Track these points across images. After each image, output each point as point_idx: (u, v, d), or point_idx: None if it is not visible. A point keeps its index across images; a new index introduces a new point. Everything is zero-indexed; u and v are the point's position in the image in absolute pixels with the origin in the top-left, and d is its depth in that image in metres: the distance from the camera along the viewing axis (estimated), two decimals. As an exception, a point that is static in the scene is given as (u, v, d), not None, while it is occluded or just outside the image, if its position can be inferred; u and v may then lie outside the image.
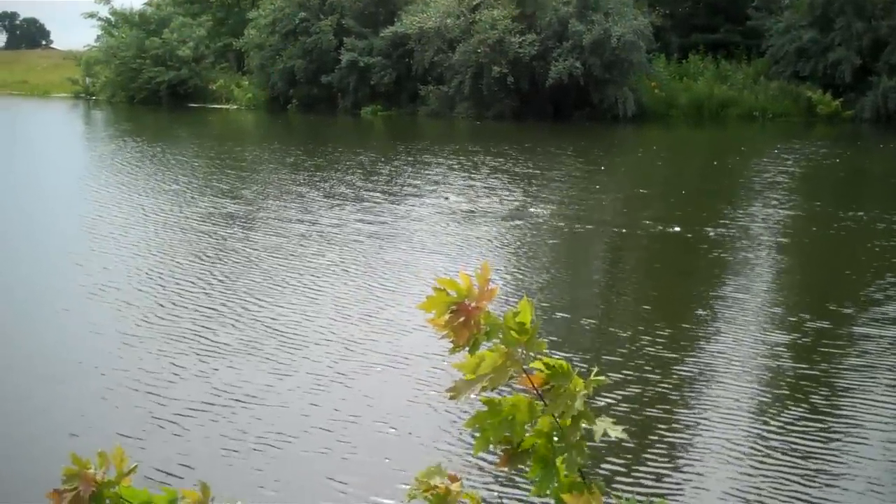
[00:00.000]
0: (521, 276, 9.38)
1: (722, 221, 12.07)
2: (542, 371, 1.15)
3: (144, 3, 39.55)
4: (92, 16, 39.29)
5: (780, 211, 13.02)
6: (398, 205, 13.51)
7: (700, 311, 8.01)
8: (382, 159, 18.91)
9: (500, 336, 1.16)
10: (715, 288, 8.87)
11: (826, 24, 28.45)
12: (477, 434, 1.17)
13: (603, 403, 5.82)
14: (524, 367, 1.15)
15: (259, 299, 8.35)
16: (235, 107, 34.33)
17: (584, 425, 1.11)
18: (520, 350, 1.14)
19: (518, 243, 11.04)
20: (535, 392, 1.13)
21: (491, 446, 1.19)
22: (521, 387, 1.18)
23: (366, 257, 10.18)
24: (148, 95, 35.50)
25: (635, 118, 27.64)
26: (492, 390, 1.17)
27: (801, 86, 28.61)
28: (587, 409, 1.12)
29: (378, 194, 14.48)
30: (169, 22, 36.58)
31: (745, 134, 25.69)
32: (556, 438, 1.12)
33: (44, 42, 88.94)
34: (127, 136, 25.36)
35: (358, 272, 9.48)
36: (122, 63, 36.13)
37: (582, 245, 11.42)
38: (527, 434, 1.14)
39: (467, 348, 1.16)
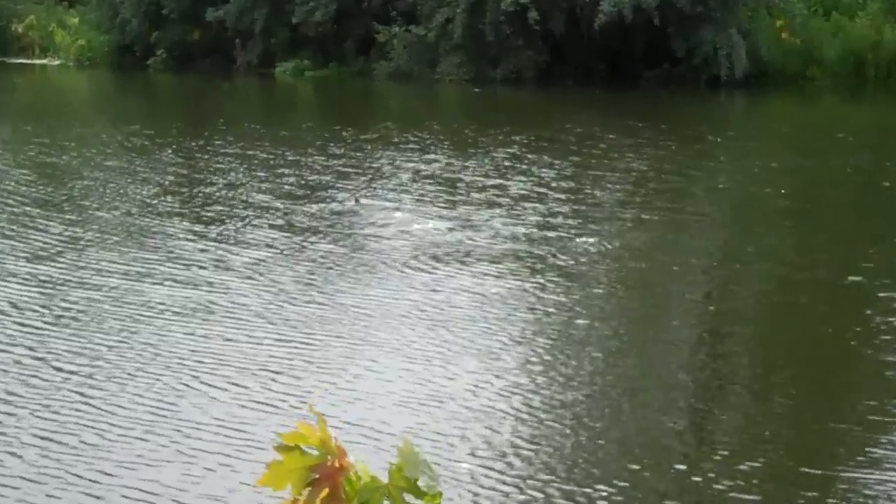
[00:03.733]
0: (553, 365, 9.26)
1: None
2: None
3: None
4: None
5: None
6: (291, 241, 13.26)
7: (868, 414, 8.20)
8: (296, 156, 19.11)
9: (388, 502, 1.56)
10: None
11: None
12: None
13: None
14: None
15: None
16: (57, 62, 34.65)
17: None
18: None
19: (545, 303, 10.82)
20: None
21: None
22: None
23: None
24: None
25: (749, 82, 27.79)
26: None
27: None
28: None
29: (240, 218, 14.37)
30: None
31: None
32: None
33: None
34: None
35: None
36: None
37: (663, 302, 11.43)
38: None
39: None
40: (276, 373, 8.99)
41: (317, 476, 1.42)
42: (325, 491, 1.42)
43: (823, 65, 29.04)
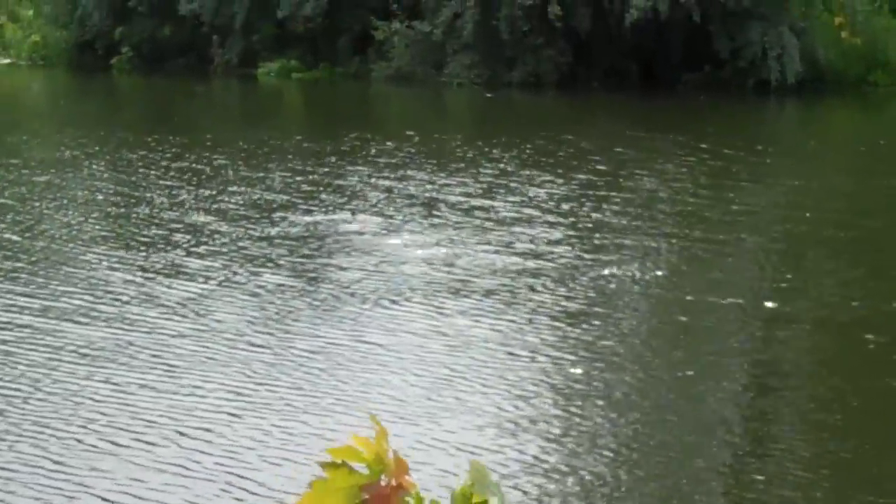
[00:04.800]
0: (545, 424, 9.21)
1: None
2: None
3: None
4: None
5: None
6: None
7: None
8: (252, 171, 19.28)
9: None
10: None
11: None
12: None
13: None
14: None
15: None
16: (7, 60, 34.91)
17: None
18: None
19: (535, 348, 10.80)
20: None
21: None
22: None
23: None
24: None
25: (803, 88, 27.92)
26: None
27: None
28: None
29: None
30: None
31: None
32: None
33: None
34: None
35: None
36: None
37: (678, 350, 11.32)
38: None
39: None
40: (200, 430, 8.83)
41: (366, 497, 1.45)
42: None
43: (889, 68, 29.09)
